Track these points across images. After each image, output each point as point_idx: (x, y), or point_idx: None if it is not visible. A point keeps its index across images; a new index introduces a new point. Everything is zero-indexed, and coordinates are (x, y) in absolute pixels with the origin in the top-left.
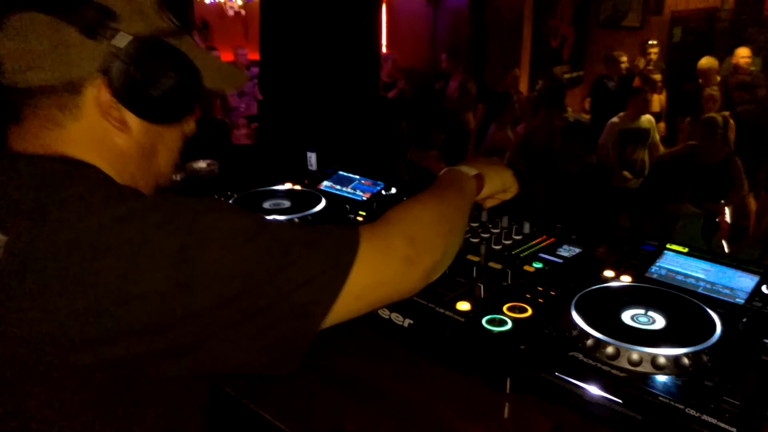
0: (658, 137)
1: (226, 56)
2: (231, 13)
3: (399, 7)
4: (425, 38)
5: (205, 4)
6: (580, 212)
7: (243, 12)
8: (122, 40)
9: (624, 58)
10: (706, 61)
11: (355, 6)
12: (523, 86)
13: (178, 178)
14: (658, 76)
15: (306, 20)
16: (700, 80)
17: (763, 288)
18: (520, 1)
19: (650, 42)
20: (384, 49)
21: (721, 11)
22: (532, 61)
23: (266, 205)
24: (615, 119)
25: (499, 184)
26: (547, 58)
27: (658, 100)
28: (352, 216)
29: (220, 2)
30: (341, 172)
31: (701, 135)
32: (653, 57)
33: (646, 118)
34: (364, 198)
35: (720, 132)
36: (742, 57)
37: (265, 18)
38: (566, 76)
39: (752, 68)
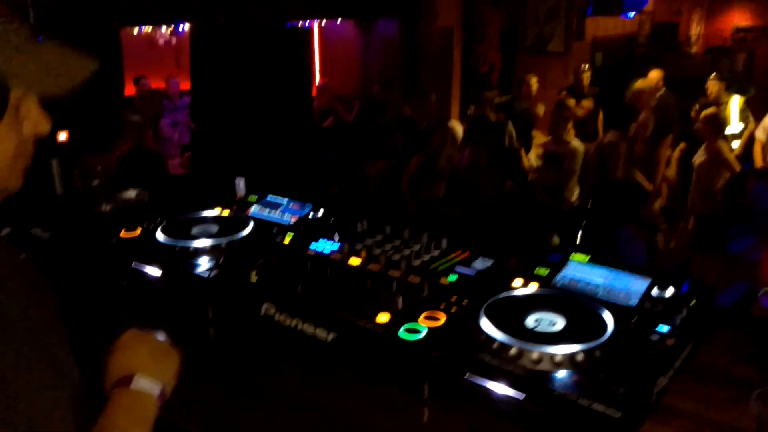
0: (575, 167)
1: (157, 85)
2: (162, 42)
3: (331, 35)
4: (357, 65)
5: (133, 32)
6: (503, 233)
7: (174, 41)
8: None
9: (533, 80)
10: (640, 83)
11: (287, 35)
12: (455, 112)
13: (107, 208)
14: (572, 102)
15: (237, 49)
16: (634, 103)
17: (653, 290)
18: (448, 28)
19: (582, 66)
20: (317, 77)
21: (639, 37)
22: (462, 86)
23: (194, 230)
24: (544, 139)
25: (172, 376)
26: (476, 83)
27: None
28: (279, 239)
29: (149, 31)
30: (270, 197)
31: (604, 155)
32: (585, 81)
33: (568, 147)
34: (292, 221)
35: (622, 153)
36: (652, 79)
37: (195, 47)
38: (494, 101)
39: (661, 91)
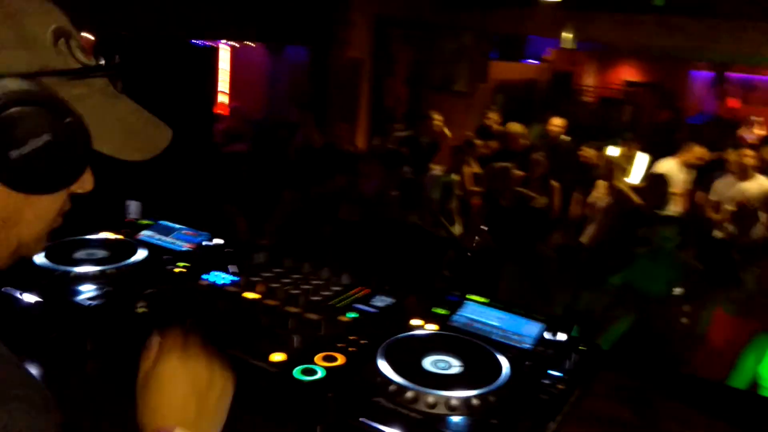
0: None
1: None
2: None
3: (241, 57)
4: (263, 88)
5: None
6: (405, 267)
7: None
8: None
9: (437, 115)
10: (509, 126)
11: (190, 53)
12: (360, 142)
13: None
14: (479, 143)
15: (137, 64)
16: (507, 143)
17: (546, 334)
18: (359, 59)
19: (491, 107)
20: (227, 99)
21: (538, 83)
22: (369, 117)
23: (79, 255)
24: (437, 171)
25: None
26: (382, 115)
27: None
28: (170, 268)
29: None
30: (162, 222)
31: (495, 179)
32: (492, 124)
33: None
34: (187, 248)
35: (511, 179)
36: (554, 125)
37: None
38: (399, 134)
39: (562, 137)
